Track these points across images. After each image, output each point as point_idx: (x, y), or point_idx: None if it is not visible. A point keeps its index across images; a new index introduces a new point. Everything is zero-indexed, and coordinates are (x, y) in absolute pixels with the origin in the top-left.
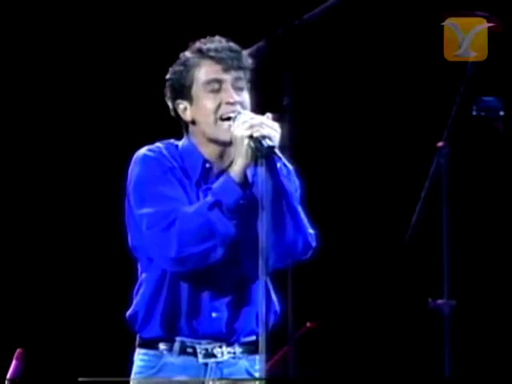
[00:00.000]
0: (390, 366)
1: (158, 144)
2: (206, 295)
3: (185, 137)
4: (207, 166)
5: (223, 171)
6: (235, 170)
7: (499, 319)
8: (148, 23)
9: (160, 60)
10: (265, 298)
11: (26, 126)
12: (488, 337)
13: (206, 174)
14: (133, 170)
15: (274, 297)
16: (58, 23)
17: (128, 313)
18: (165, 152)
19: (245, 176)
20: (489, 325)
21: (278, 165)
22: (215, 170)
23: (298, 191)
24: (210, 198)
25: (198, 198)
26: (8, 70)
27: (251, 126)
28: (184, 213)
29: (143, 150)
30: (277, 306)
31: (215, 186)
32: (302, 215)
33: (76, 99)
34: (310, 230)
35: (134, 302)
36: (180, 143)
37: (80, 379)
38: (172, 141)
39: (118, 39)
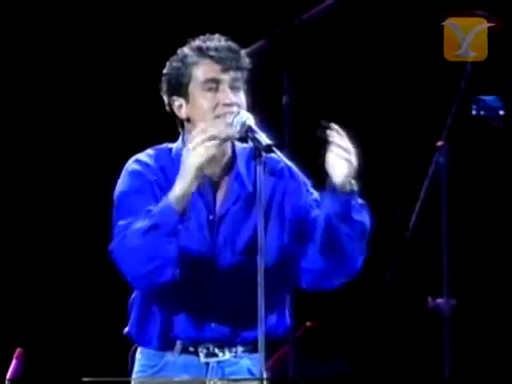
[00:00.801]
0: (389, 365)
1: (149, 151)
2: (207, 302)
3: (180, 138)
4: None
5: (212, 178)
6: (175, 195)
7: (499, 318)
8: (147, 20)
9: (158, 57)
10: (264, 298)
11: (24, 128)
12: (488, 336)
13: None
14: (118, 182)
15: (286, 312)
16: (54, 18)
17: (125, 330)
18: (151, 162)
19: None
20: (489, 324)
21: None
22: (204, 176)
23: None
24: (147, 221)
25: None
26: (2, 72)
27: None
28: (130, 231)
29: (131, 162)
30: (287, 320)
31: (155, 208)
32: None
33: (73, 99)
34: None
35: (130, 318)
36: (174, 145)
37: (84, 379)
38: (165, 145)
39: (115, 37)
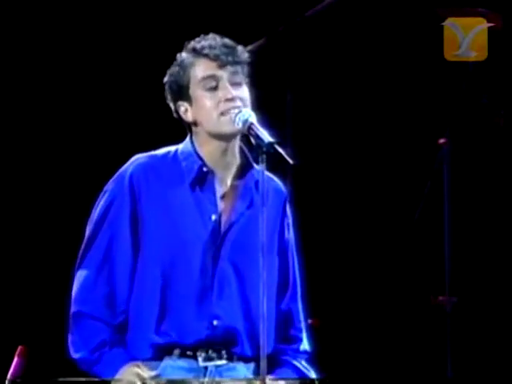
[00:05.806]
0: (391, 363)
1: (155, 153)
2: (206, 306)
3: (187, 139)
4: (204, 169)
5: (222, 179)
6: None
7: (501, 316)
8: (149, 24)
9: (161, 63)
10: (266, 297)
11: (26, 132)
12: (489, 334)
13: (204, 177)
14: (108, 185)
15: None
16: (50, 32)
17: None
18: (140, 175)
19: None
20: (490, 322)
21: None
22: (213, 176)
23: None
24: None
25: (191, 203)
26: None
27: None
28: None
29: (130, 168)
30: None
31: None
32: None
33: (73, 103)
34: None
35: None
36: (180, 146)
37: (84, 379)
38: (169, 149)
39: (115, 45)
